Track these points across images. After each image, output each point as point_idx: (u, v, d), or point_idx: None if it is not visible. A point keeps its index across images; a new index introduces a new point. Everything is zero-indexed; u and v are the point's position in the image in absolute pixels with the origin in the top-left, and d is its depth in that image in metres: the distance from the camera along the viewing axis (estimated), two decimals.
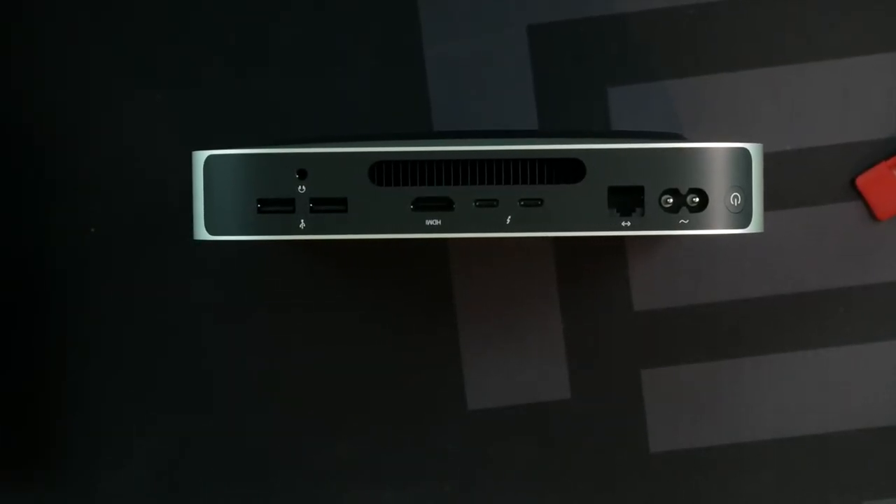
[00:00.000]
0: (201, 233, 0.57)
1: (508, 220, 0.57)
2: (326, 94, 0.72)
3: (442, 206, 0.57)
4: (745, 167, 0.57)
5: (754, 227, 0.58)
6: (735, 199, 0.57)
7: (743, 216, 0.58)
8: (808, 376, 0.72)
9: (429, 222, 0.57)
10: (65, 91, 0.73)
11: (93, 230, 0.72)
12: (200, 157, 0.57)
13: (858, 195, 0.71)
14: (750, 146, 0.57)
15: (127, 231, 0.72)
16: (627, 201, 0.57)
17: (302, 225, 0.57)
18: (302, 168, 0.57)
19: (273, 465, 0.73)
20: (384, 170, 0.57)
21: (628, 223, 0.57)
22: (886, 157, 0.71)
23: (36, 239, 0.72)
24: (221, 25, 0.72)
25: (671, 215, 0.57)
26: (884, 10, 0.71)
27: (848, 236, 0.71)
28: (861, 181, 0.71)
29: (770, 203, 0.66)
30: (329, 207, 0.57)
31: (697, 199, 0.57)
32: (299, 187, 0.57)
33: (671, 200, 0.57)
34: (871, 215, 0.71)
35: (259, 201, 0.57)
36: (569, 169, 0.57)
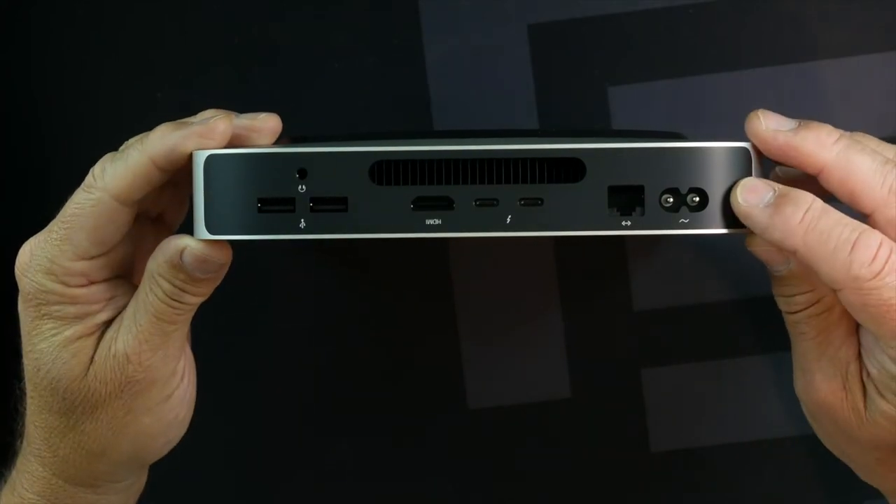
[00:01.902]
0: (202, 232, 0.57)
1: (508, 220, 0.57)
2: (327, 94, 0.72)
3: (442, 205, 0.57)
4: (745, 166, 0.57)
5: None
6: None
7: None
8: None
9: (429, 222, 0.57)
10: (65, 90, 0.73)
11: None
12: (200, 156, 0.57)
13: None
14: (750, 145, 0.57)
15: None
16: (627, 201, 0.57)
17: (302, 224, 0.57)
18: (302, 167, 0.57)
19: (273, 465, 0.73)
20: (384, 169, 0.57)
21: (628, 223, 0.57)
22: None
23: None
24: (222, 25, 0.72)
25: (671, 215, 0.57)
26: (884, 9, 0.71)
27: None
28: None
29: None
30: (329, 207, 0.57)
31: (697, 199, 0.57)
32: (299, 187, 0.57)
33: (671, 200, 0.57)
34: None
35: (259, 201, 0.57)
36: (569, 168, 0.57)
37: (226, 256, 0.58)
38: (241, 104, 0.62)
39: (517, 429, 0.73)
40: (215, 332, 0.71)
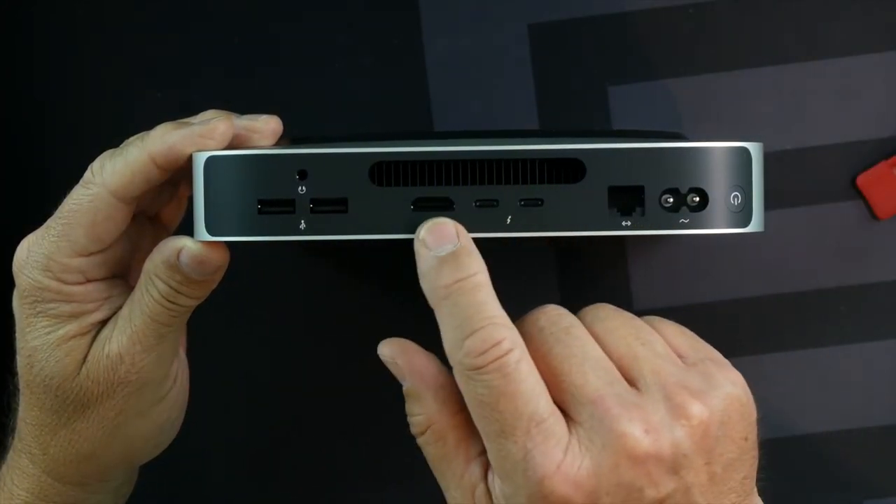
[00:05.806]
0: (202, 234, 0.57)
1: (509, 220, 0.57)
2: (327, 94, 0.72)
3: (442, 206, 0.57)
4: (745, 166, 0.57)
5: (755, 226, 0.58)
6: (735, 198, 0.57)
7: (743, 215, 0.58)
8: (808, 376, 0.72)
9: None
10: (65, 90, 0.73)
11: None
12: (201, 157, 0.57)
13: (859, 194, 0.71)
14: (750, 145, 0.57)
15: None
16: (628, 201, 0.57)
17: (302, 226, 0.57)
18: (302, 168, 0.57)
19: (273, 465, 0.73)
20: (384, 170, 0.57)
21: (628, 223, 0.57)
22: (887, 157, 0.71)
23: None
24: (223, 25, 0.72)
25: (671, 215, 0.57)
26: (884, 9, 0.71)
27: (848, 235, 0.71)
28: (862, 180, 0.71)
29: (770, 202, 0.66)
30: (329, 208, 0.57)
31: (698, 199, 0.57)
32: (299, 188, 0.57)
33: (671, 200, 0.57)
34: (872, 214, 0.71)
35: (259, 202, 0.57)
36: (569, 169, 0.57)
37: (223, 258, 0.58)
38: (242, 104, 0.62)
39: None
40: (214, 332, 0.72)
